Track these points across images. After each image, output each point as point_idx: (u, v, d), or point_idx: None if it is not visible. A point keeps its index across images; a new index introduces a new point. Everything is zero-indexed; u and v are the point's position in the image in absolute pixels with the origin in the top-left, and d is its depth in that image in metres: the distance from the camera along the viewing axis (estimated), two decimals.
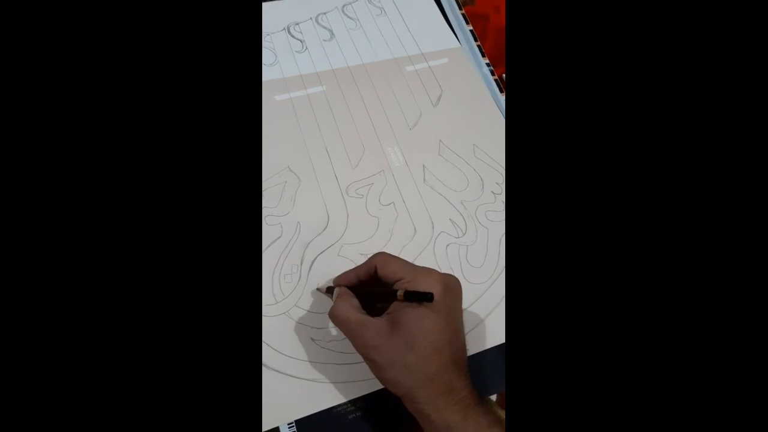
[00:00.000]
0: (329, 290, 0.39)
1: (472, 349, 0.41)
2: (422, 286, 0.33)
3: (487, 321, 0.43)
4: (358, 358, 0.39)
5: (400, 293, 0.33)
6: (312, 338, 0.40)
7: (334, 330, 0.40)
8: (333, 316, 0.35)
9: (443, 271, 0.44)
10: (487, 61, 0.58)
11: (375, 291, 0.37)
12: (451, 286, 0.34)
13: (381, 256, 0.37)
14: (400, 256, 0.44)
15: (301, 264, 0.43)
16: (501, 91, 0.56)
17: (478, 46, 0.59)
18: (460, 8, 0.62)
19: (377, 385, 0.38)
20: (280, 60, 0.54)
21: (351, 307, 0.34)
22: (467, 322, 0.42)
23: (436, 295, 0.32)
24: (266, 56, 0.53)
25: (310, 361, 0.39)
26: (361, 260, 0.44)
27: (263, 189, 0.45)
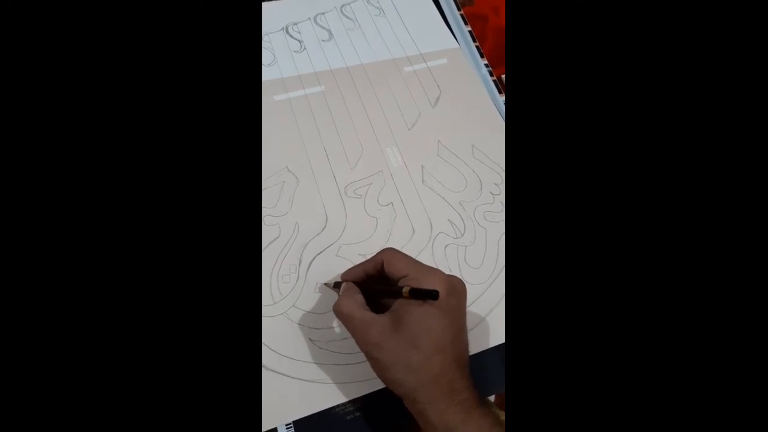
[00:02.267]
0: (336, 285, 0.39)
1: (471, 350, 0.41)
2: (427, 285, 0.33)
3: (485, 322, 0.43)
4: (357, 358, 0.39)
5: (405, 290, 0.33)
6: (310, 339, 0.40)
7: (332, 330, 0.40)
8: (337, 311, 0.35)
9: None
10: (486, 62, 0.58)
11: (380, 288, 0.37)
12: (456, 287, 0.34)
13: (388, 251, 0.37)
14: None
15: (300, 264, 0.43)
16: (500, 92, 0.56)
17: (477, 46, 0.59)
18: (459, 9, 0.62)
19: (376, 386, 0.38)
20: (279, 60, 0.53)
21: (355, 303, 0.34)
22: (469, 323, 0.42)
23: (441, 294, 0.32)
24: (265, 56, 0.53)
25: (309, 362, 0.39)
26: (359, 260, 0.43)
27: (263, 189, 0.45)
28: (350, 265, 0.43)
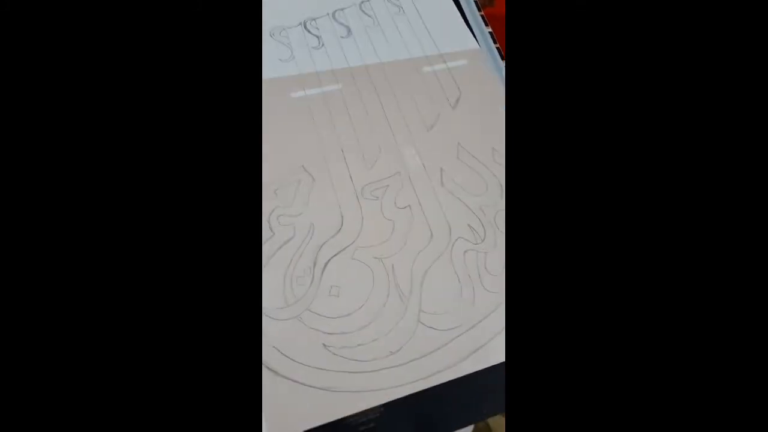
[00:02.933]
0: None
1: (488, 362, 0.39)
2: None
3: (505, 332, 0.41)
4: (372, 366, 0.38)
5: None
6: (324, 344, 0.38)
7: (347, 336, 0.39)
8: None
9: (460, 278, 0.42)
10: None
11: None
12: None
13: None
14: (416, 262, 0.43)
15: (314, 266, 0.41)
16: None
17: (498, 48, 0.57)
18: (480, 10, 0.60)
19: (391, 396, 0.37)
20: (296, 56, 0.52)
21: None
22: (484, 334, 0.40)
23: None
24: (281, 52, 0.52)
25: (321, 369, 0.37)
26: (375, 264, 0.42)
27: (276, 188, 0.44)
28: (366, 269, 0.42)
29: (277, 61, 0.51)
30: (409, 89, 0.52)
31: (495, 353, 0.40)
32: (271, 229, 0.42)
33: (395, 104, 0.51)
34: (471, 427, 0.41)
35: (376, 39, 0.55)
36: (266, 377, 0.36)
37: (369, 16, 0.57)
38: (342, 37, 0.55)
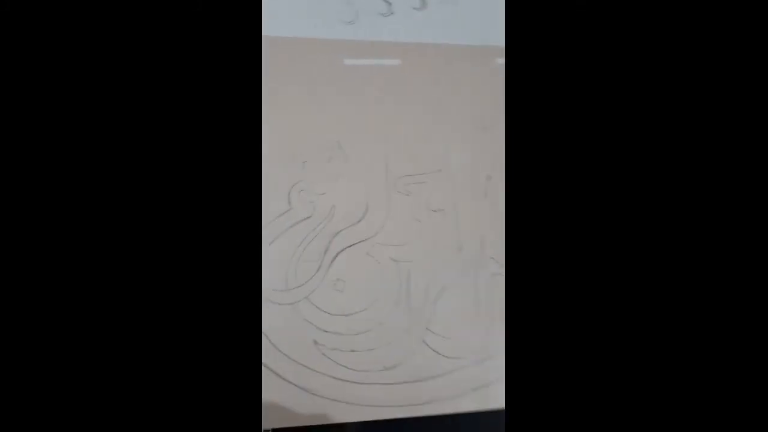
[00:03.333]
0: None
1: (489, 404, 0.35)
2: None
3: None
4: (361, 377, 0.34)
5: None
6: (315, 341, 0.35)
7: (341, 337, 0.35)
8: None
9: (480, 303, 0.38)
10: None
11: None
12: None
13: None
14: (436, 273, 0.38)
15: (325, 254, 0.38)
16: None
17: None
18: None
19: (373, 415, 0.33)
20: (360, 20, 0.48)
21: None
22: (489, 373, 0.36)
23: None
24: (344, 12, 0.48)
25: (307, 367, 0.34)
26: (390, 266, 0.38)
27: (305, 160, 0.40)
28: (379, 267, 0.38)
29: (337, 22, 0.47)
30: (474, 80, 0.47)
31: (496, 397, 0.36)
32: (289, 202, 0.39)
33: (455, 93, 0.46)
34: None
35: (451, 17, 0.50)
36: None
37: None
38: (415, 9, 0.50)
